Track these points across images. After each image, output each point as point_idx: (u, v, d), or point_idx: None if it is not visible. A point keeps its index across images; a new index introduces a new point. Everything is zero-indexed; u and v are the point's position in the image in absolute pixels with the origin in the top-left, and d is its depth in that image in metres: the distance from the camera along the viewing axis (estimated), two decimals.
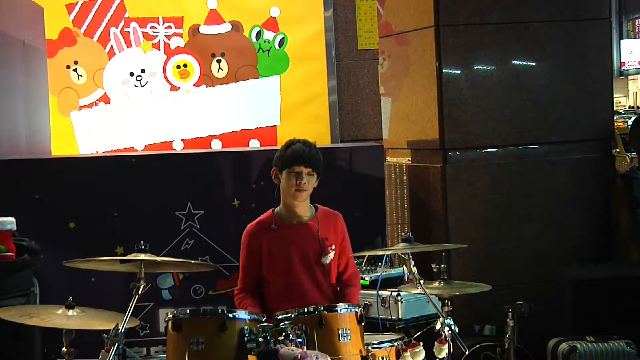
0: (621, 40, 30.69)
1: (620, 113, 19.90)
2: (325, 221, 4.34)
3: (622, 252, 5.46)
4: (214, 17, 8.00)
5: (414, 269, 4.00)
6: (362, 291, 4.61)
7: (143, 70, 7.99)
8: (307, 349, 3.55)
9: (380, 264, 5.11)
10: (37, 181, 5.40)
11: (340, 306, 3.79)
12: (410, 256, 4.00)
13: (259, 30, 8.03)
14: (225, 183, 5.59)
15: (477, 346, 4.93)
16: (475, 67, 5.49)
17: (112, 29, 7.94)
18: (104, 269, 4.03)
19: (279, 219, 4.32)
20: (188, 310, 3.70)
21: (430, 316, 4.37)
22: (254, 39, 8.03)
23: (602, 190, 5.55)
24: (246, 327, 3.59)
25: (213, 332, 3.57)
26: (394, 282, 4.87)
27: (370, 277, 4.95)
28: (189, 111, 8.01)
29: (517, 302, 4.34)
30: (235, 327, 3.59)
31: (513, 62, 5.55)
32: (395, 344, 3.87)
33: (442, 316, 3.95)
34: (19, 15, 6.47)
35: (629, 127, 6.20)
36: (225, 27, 8.02)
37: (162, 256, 4.93)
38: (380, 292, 4.80)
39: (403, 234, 4.23)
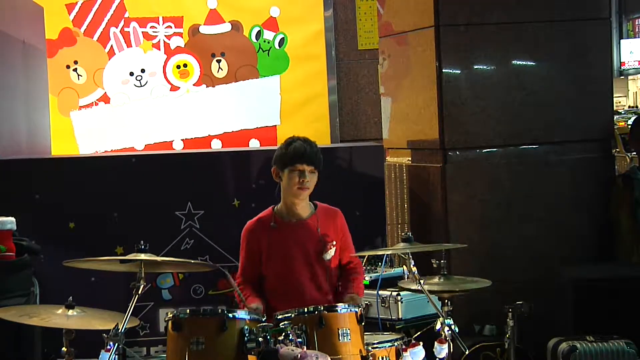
0: (621, 40, 30.61)
1: (620, 113, 19.85)
2: (325, 218, 4.34)
3: (622, 252, 5.45)
4: (214, 17, 8.01)
5: (414, 269, 3.99)
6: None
7: (143, 70, 7.99)
8: (307, 348, 3.55)
9: (380, 263, 5.12)
10: (37, 181, 5.39)
11: (340, 306, 3.79)
12: (410, 256, 4.00)
13: (259, 30, 8.03)
14: (225, 183, 5.59)
15: (477, 346, 4.92)
16: (475, 67, 5.49)
17: (112, 29, 7.94)
18: (104, 269, 4.03)
19: (279, 217, 4.32)
20: (188, 310, 3.70)
21: (430, 316, 4.37)
22: (254, 39, 8.04)
23: (602, 190, 5.55)
24: (246, 327, 3.58)
25: (213, 332, 3.57)
26: (394, 282, 4.86)
27: (370, 277, 4.95)
28: (189, 111, 8.02)
29: (517, 302, 4.33)
30: (235, 327, 3.59)
31: (513, 62, 5.55)
32: (395, 343, 3.86)
33: (442, 316, 3.95)
34: (19, 15, 6.47)
35: (629, 127, 6.20)
36: (225, 27, 8.02)
37: (162, 256, 4.91)
38: (380, 292, 4.80)
39: (403, 233, 4.23)
